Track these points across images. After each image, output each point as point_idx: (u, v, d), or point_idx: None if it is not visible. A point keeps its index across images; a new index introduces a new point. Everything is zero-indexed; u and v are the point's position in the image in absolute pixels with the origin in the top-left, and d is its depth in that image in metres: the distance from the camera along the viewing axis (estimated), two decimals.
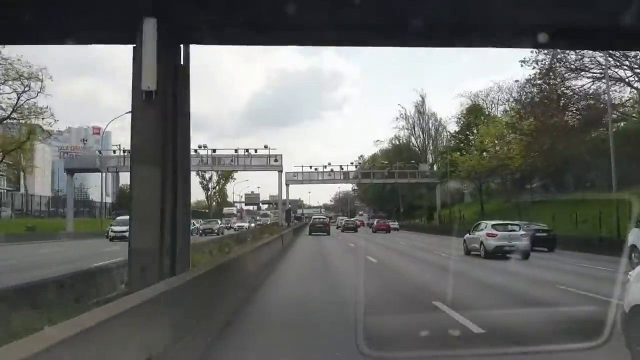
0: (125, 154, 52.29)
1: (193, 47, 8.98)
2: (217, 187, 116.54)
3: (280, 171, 53.52)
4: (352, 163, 65.79)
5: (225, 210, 73.76)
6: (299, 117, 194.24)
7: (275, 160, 53.29)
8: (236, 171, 55.77)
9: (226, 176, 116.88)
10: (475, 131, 57.76)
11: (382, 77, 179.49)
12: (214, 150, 53.09)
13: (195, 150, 53.48)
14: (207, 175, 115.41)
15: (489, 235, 19.14)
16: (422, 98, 77.47)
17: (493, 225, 19.64)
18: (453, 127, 69.83)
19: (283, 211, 54.64)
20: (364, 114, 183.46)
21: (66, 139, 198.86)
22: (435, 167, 72.17)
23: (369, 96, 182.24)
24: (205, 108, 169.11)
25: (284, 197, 63.53)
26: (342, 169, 65.95)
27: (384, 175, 65.46)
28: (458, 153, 56.69)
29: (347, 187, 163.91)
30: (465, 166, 50.89)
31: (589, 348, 4.99)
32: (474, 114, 58.63)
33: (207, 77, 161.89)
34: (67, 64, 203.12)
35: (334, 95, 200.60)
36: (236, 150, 53.10)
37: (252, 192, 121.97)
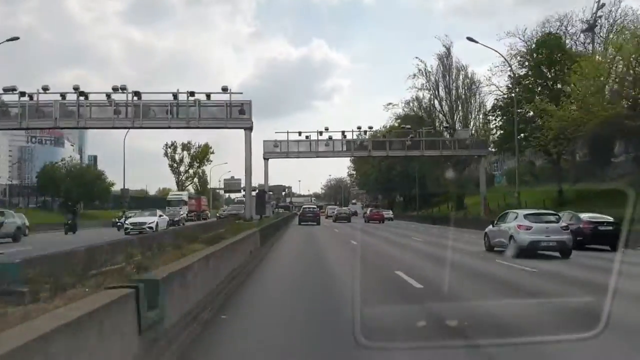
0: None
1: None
2: (191, 172, 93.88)
3: (249, 129, 30.59)
4: (359, 128, 43.29)
5: (171, 196, 50.29)
6: (288, 107, 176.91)
7: (241, 112, 30.64)
8: (181, 129, 31.66)
9: (200, 158, 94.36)
10: (555, 71, 35.80)
11: (374, 66, 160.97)
12: (138, 96, 30.33)
13: (108, 96, 30.74)
14: (177, 157, 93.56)
15: (521, 227, 14.73)
16: (447, 49, 55.03)
17: (526, 216, 15.29)
18: (500, 79, 47.88)
19: (251, 197, 31.41)
20: (357, 102, 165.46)
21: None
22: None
23: (361, 86, 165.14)
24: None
25: (259, 180, 41.18)
26: (345, 136, 43.47)
27: (405, 145, 43.06)
28: (526, 107, 34.71)
29: (341, 173, 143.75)
30: (557, 120, 28.72)
31: (583, 339, 4.83)
32: (550, 48, 36.33)
33: (196, 66, 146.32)
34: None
35: (324, 84, 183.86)
36: (175, 96, 30.38)
37: (232, 177, 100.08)
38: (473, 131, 50.03)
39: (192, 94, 29.94)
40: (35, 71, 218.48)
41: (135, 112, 30.03)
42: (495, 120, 38.16)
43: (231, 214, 34.21)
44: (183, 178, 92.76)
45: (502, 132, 37.90)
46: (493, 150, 41.72)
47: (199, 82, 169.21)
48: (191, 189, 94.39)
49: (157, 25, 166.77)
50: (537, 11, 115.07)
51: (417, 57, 55.52)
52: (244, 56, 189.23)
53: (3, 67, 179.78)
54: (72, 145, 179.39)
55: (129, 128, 30.66)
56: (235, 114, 30.44)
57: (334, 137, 43.21)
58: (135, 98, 30.11)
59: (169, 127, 30.64)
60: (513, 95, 36.17)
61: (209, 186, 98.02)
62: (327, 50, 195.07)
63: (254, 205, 29.35)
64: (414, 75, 55.86)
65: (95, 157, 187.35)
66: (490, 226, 17.07)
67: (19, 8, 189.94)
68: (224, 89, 30.39)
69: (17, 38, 30.95)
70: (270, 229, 20.95)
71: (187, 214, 40.89)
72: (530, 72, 37.22)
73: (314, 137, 43.26)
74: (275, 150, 43.12)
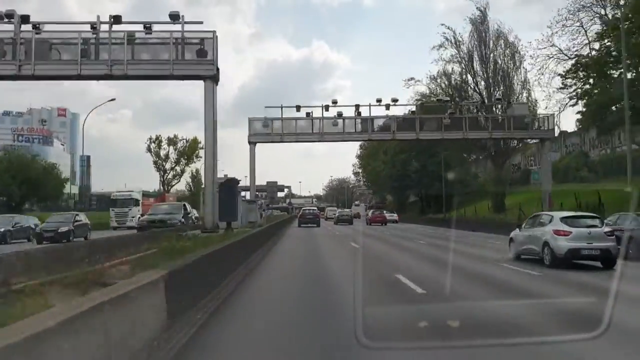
0: None
1: None
2: (178, 169, 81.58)
3: (211, 78, 17.65)
4: (379, 101, 30.77)
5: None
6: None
7: (200, 53, 18.10)
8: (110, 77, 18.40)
9: (188, 154, 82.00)
10: None
11: (375, 67, 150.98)
12: (33, 26, 17.90)
13: None
14: (161, 153, 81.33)
15: (558, 232, 12.13)
16: (482, 12, 42.78)
17: (564, 219, 12.58)
18: (562, 40, 35.33)
19: (214, 190, 18.18)
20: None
21: (27, 121, 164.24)
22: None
23: (362, 87, 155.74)
24: (193, 98, 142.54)
25: (242, 173, 28.78)
26: (359, 113, 31.05)
27: (441, 124, 30.58)
28: None
29: (344, 172, 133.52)
30: None
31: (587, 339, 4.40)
32: None
33: None
34: None
35: (325, 85, 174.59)
36: (94, 27, 17.90)
37: (225, 175, 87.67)
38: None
39: (117, 19, 17.40)
40: None
41: (26, 51, 17.65)
42: (577, 84, 25.73)
43: (153, 222, 20.40)
44: (170, 176, 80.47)
45: (587, 101, 25.42)
46: (578, 125, 29.14)
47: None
48: (185, 190, 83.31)
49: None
50: (537, 10, 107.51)
51: (443, 24, 42.90)
52: (245, 57, 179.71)
53: None
54: (63, 145, 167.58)
55: (13, 78, 18.05)
56: (192, 55, 18.00)
57: (344, 114, 30.89)
58: (27, 28, 17.66)
59: (79, 77, 17.91)
60: (605, 45, 23.83)
61: (202, 186, 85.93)
62: (328, 52, 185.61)
63: (216, 206, 16.71)
64: (440, 45, 43.59)
65: (88, 158, 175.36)
66: (517, 230, 14.19)
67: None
68: (174, 17, 17.91)
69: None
70: (223, 257, 8.57)
71: (140, 218, 28.19)
72: (630, 15, 24.75)
73: (317, 113, 30.99)
74: (265, 131, 30.80)
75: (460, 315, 5.91)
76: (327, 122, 30.86)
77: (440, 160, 47.22)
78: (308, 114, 31.00)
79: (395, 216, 51.25)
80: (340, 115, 30.60)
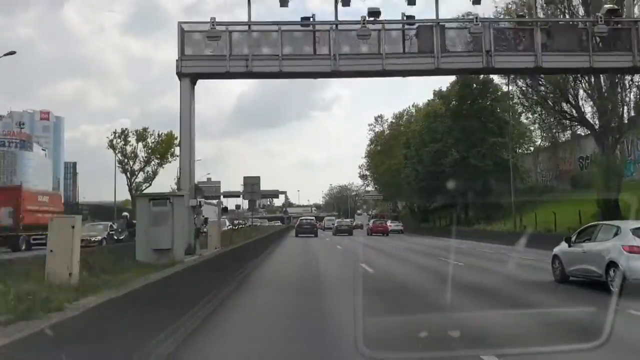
0: None
1: None
2: (149, 170, 64.33)
3: None
4: None
5: None
6: (286, 117, 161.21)
7: None
8: None
9: (161, 152, 64.91)
10: None
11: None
12: None
13: None
14: (128, 149, 64.30)
15: (631, 249, 8.83)
16: None
17: (636, 230, 9.12)
18: None
19: None
20: (358, 113, 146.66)
21: (7, 124, 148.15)
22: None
23: (362, 96, 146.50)
24: (195, 107, 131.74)
25: None
26: (412, 16, 14.01)
27: (581, 39, 13.73)
28: None
29: (347, 179, 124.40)
30: None
31: (588, 349, 4.26)
32: None
33: None
34: None
35: (323, 95, 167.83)
36: None
37: (209, 179, 73.48)
38: None
39: None
40: (35, 83, 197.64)
41: None
42: None
43: None
44: (140, 179, 63.24)
45: None
46: None
47: (197, 91, 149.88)
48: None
49: (156, 36, 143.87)
50: None
51: None
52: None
53: (3, 79, 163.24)
54: (44, 150, 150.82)
55: None
56: None
57: (383, 17, 13.91)
58: None
59: None
60: None
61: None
62: None
63: None
64: None
65: (74, 165, 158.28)
66: (564, 245, 10.85)
67: (17, 21, 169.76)
68: None
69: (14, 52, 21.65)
70: None
71: None
72: None
73: (324, 14, 14.11)
74: (213, 52, 13.80)
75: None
76: (348, 35, 13.96)
77: (507, 145, 30.33)
78: (306, 19, 14.06)
79: (400, 226, 47.24)
80: (375, 16, 13.60)
